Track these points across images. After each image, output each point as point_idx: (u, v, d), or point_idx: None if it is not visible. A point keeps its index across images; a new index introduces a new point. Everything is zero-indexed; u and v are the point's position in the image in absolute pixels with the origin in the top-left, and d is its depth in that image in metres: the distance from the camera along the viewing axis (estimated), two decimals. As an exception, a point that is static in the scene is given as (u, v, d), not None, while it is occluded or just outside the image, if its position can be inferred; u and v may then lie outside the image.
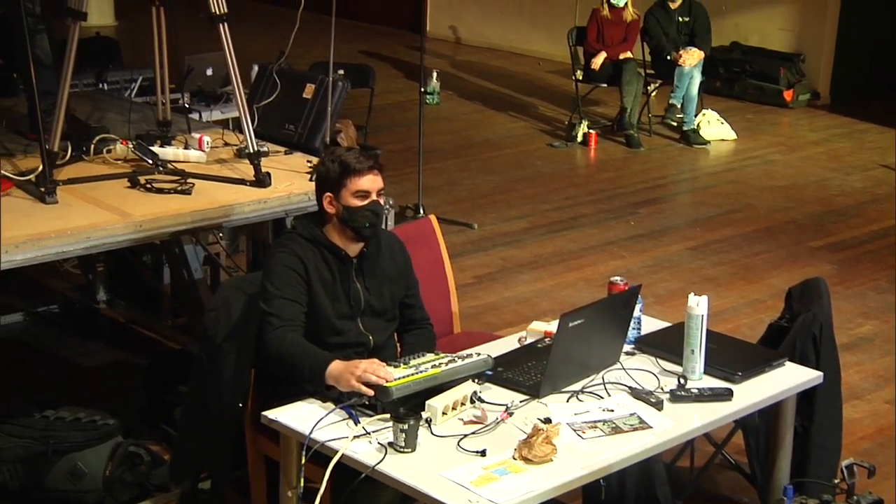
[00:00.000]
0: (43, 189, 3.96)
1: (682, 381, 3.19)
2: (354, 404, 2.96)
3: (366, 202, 3.29)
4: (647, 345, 3.43)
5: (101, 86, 6.31)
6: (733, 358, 3.35)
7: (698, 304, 3.21)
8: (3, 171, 4.05)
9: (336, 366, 3.03)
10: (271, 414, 3.00)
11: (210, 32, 4.39)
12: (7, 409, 4.00)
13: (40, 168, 4.00)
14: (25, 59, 4.12)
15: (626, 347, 3.39)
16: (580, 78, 8.97)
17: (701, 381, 3.23)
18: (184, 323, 5.10)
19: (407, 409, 2.87)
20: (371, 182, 3.30)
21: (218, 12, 4.32)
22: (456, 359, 3.13)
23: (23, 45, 4.13)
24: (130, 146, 4.42)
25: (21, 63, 4.35)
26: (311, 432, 2.86)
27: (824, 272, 5.96)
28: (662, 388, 3.17)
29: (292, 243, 3.33)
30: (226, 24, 4.35)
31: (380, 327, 3.42)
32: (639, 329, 3.47)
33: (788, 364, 3.41)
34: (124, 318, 5.34)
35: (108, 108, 5.23)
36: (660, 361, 3.34)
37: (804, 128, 9.45)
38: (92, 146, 4.46)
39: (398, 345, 3.54)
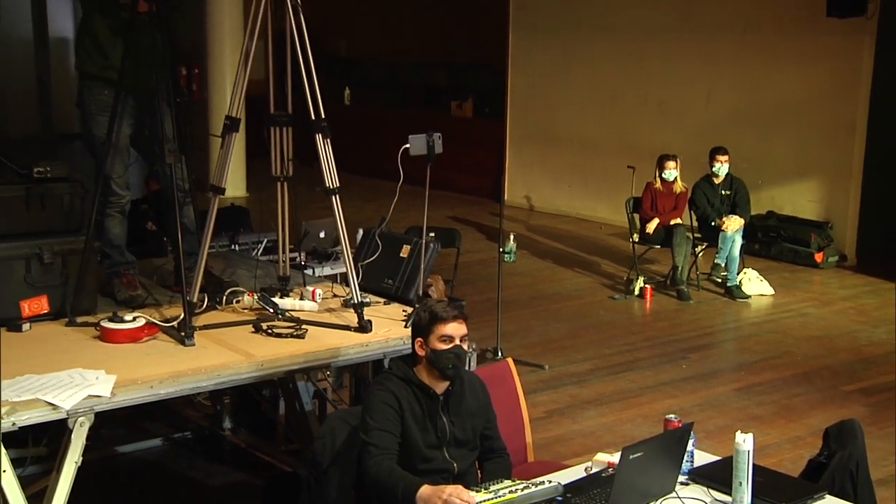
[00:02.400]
0: (183, 334, 4.03)
1: (731, 510, 3.09)
2: (442, 524, 2.92)
3: (449, 346, 3.30)
4: (700, 476, 3.33)
5: (233, 247, 6.46)
6: (778, 490, 3.23)
7: (745, 441, 3.13)
8: (151, 319, 4.15)
9: (425, 490, 2.99)
10: (369, 532, 2.96)
11: (324, 202, 4.48)
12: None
13: (182, 316, 4.08)
14: (174, 226, 4.25)
15: (681, 478, 3.29)
16: (636, 240, 8.99)
17: (748, 510, 3.12)
18: (296, 449, 5.08)
19: (487, 529, 2.82)
20: (455, 329, 3.31)
21: (331, 186, 4.44)
22: (530, 485, 3.08)
23: (173, 215, 4.28)
24: (255, 297, 4.50)
25: (171, 229, 4.48)
26: (403, 549, 2.81)
27: (858, 414, 5.78)
28: (714, 516, 3.07)
29: (388, 382, 3.33)
30: (337, 196, 4.46)
31: (463, 456, 3.38)
32: (692, 462, 3.37)
33: (828, 497, 3.27)
34: (245, 444, 5.34)
35: (238, 265, 5.34)
36: (711, 492, 3.24)
37: (834, 286, 9.28)
38: (224, 297, 4.55)
39: (479, 471, 3.49)
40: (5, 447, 3.35)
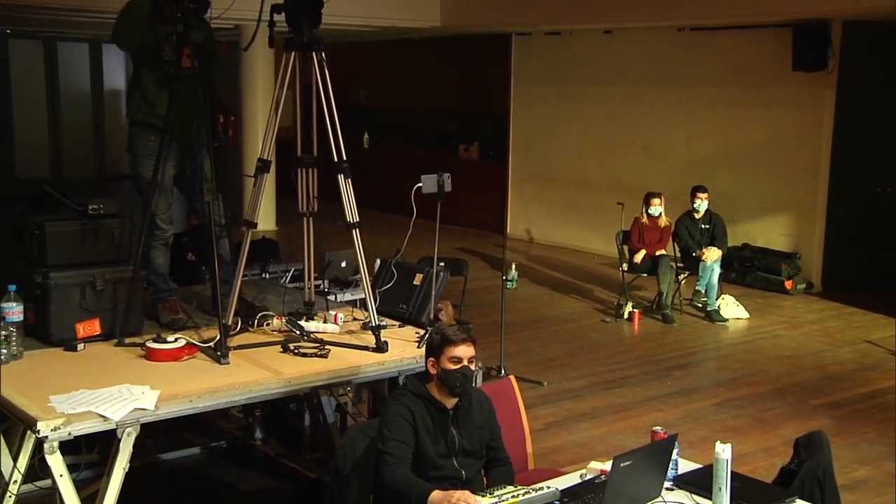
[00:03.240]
0: (219, 353, 4.02)
1: (712, 513, 3.07)
2: (450, 526, 2.90)
3: (458, 366, 3.29)
4: (683, 482, 3.31)
5: (263, 275, 6.43)
6: (753, 495, 3.22)
7: (724, 450, 3.11)
8: (191, 340, 4.15)
9: (436, 495, 2.98)
10: (385, 532, 2.94)
11: (345, 235, 4.49)
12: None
13: (218, 337, 4.08)
14: (212, 257, 4.27)
15: (666, 484, 3.27)
16: (626, 269, 8.98)
17: (727, 513, 3.10)
18: (319, 457, 5.06)
19: (491, 531, 2.80)
20: (464, 351, 3.30)
21: (352, 221, 4.45)
22: (530, 491, 3.06)
23: (211, 247, 4.29)
24: (284, 321, 4.50)
25: (208, 259, 4.50)
26: (416, 548, 2.79)
27: (824, 426, 5.75)
28: (696, 519, 3.05)
29: (403, 397, 3.32)
30: (357, 230, 4.47)
31: (470, 464, 3.36)
32: (676, 469, 3.35)
33: (799, 501, 3.26)
34: (274, 453, 5.32)
35: (268, 292, 5.34)
36: (694, 496, 3.22)
37: (802, 310, 9.25)
38: (255, 320, 4.54)
39: (484, 478, 3.47)
40: (62, 454, 3.35)
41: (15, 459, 3.77)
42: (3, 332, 3.84)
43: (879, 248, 10.14)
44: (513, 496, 3.00)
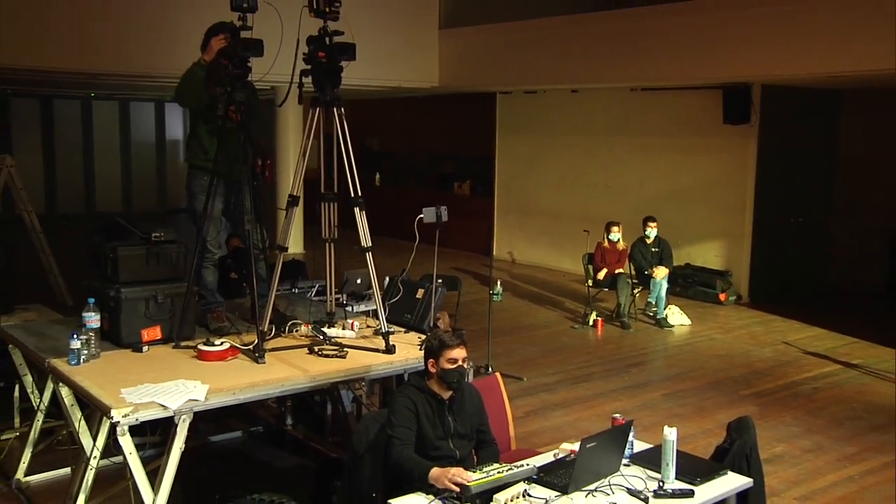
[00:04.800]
0: (257, 354, 4.02)
1: (661, 484, 3.07)
2: (447, 497, 2.89)
3: (454, 366, 3.28)
4: (638, 459, 3.31)
5: (293, 290, 6.42)
6: (694, 469, 3.21)
7: (670, 433, 3.12)
8: (234, 343, 4.15)
9: (435, 471, 2.97)
10: (394, 502, 2.92)
11: (360, 257, 4.48)
12: (228, 496, 3.95)
13: (256, 341, 4.08)
14: (251, 276, 4.27)
15: (624, 461, 3.27)
16: (591, 285, 8.98)
17: (673, 484, 3.10)
18: (339, 440, 5.04)
19: (482, 501, 2.80)
20: (459, 353, 3.30)
21: (365, 245, 4.45)
22: (513, 467, 3.05)
23: (250, 267, 4.29)
24: (310, 328, 4.49)
25: (248, 277, 4.49)
26: (418, 514, 2.77)
27: (751, 411, 5.74)
28: (648, 489, 3.04)
29: (408, 391, 3.32)
30: (370, 253, 4.47)
31: (463, 445, 3.35)
32: (632, 449, 3.35)
33: (731, 473, 3.26)
34: (302, 436, 5.30)
35: (297, 304, 5.33)
36: (646, 471, 3.22)
37: (733, 318, 9.25)
38: (286, 327, 4.54)
39: (475, 457, 3.46)
40: (131, 436, 3.36)
41: (94, 439, 3.78)
42: (84, 337, 3.87)
43: (794, 267, 10.21)
44: (498, 472, 2.99)
